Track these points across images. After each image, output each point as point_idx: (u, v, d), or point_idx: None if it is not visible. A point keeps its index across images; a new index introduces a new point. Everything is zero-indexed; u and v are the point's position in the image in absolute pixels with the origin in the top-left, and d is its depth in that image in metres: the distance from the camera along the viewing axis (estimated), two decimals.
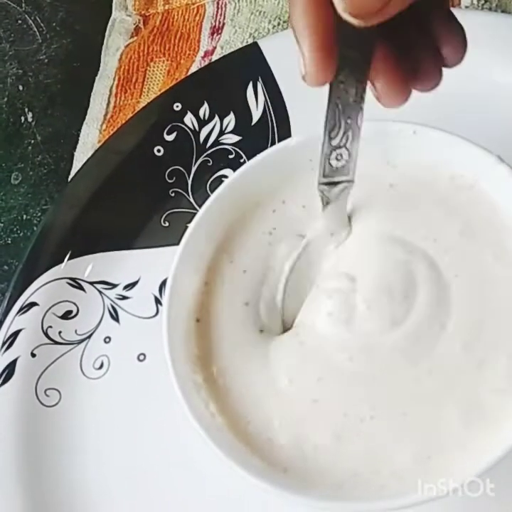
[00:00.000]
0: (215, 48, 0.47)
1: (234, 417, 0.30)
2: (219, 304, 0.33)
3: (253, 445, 0.29)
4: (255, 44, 0.44)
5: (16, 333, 0.40)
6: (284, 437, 0.30)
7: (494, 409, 0.28)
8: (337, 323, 0.30)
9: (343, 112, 0.28)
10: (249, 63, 0.44)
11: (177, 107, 0.44)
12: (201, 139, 0.43)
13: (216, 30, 0.48)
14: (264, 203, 0.35)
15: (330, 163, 0.29)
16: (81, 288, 0.41)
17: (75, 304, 0.41)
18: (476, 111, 0.38)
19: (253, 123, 0.43)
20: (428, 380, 0.29)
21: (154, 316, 0.40)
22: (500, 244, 0.31)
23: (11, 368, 0.39)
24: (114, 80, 0.50)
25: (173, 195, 0.43)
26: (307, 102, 0.42)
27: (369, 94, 0.27)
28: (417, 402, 0.29)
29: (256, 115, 0.43)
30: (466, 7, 0.42)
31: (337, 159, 0.29)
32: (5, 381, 0.39)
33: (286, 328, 0.32)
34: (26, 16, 0.55)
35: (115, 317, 0.40)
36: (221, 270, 0.34)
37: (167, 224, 0.42)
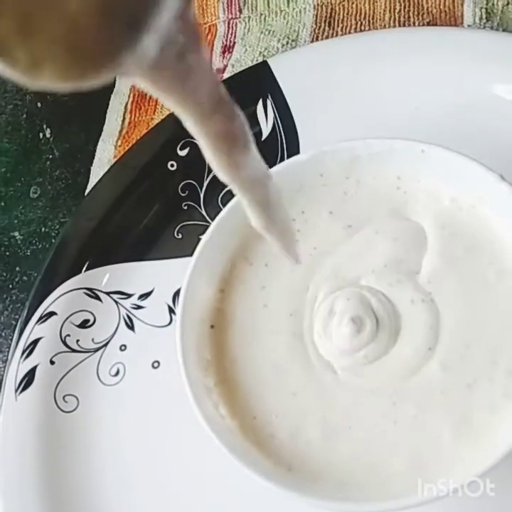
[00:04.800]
0: (226, 66, 0.49)
1: (242, 416, 0.31)
2: (235, 305, 0.34)
3: (259, 442, 0.31)
4: (265, 62, 0.45)
5: (35, 342, 0.41)
6: (283, 431, 0.31)
7: (488, 425, 0.29)
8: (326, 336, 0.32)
9: None
10: (259, 81, 0.45)
11: None
12: None
13: (227, 49, 0.50)
14: None
15: None
16: (98, 298, 0.42)
17: (92, 313, 0.42)
18: (478, 128, 0.39)
19: (263, 138, 0.44)
20: (416, 396, 0.30)
21: (168, 324, 0.41)
22: (499, 264, 0.32)
23: (30, 375, 0.40)
24: (129, 97, 0.51)
25: (185, 208, 0.44)
26: (316, 118, 0.43)
27: None
28: (406, 415, 0.30)
29: (266, 131, 0.44)
30: (469, 26, 0.44)
31: None
32: (25, 388, 0.40)
33: None
34: None
35: (130, 326, 0.42)
36: (239, 273, 0.35)
37: (180, 236, 0.43)
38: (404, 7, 0.46)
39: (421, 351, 0.31)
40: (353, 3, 0.47)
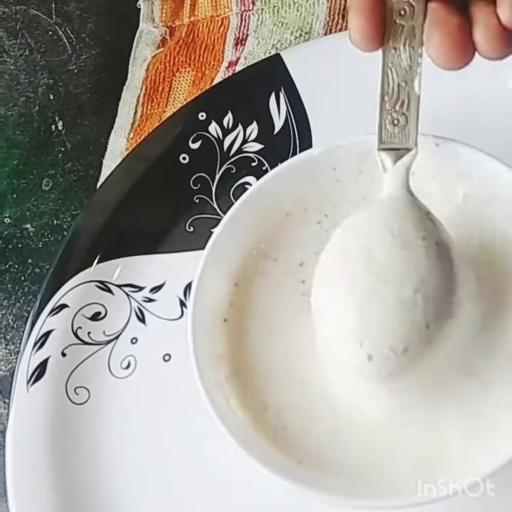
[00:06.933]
0: (238, 58, 0.49)
1: (253, 409, 0.31)
2: (251, 299, 0.34)
3: (271, 436, 0.30)
4: (278, 55, 0.45)
5: (47, 334, 0.41)
6: (295, 424, 0.31)
7: (499, 426, 0.28)
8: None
9: (397, 76, 0.29)
10: (272, 74, 0.45)
11: (202, 116, 0.45)
12: (225, 147, 0.45)
13: (240, 42, 0.50)
14: (292, 211, 0.36)
15: (386, 128, 0.29)
16: (109, 291, 0.42)
17: (103, 306, 0.42)
18: (493, 122, 0.39)
19: (275, 132, 0.44)
20: (428, 394, 0.30)
21: (179, 318, 0.41)
22: None
23: (42, 366, 0.41)
24: (141, 89, 0.51)
25: (197, 201, 0.44)
26: (329, 112, 0.43)
27: None
28: (415, 414, 0.30)
29: (278, 124, 0.44)
30: None
31: (394, 124, 0.29)
32: (37, 379, 0.40)
33: None
34: (57, 27, 0.56)
35: (142, 319, 0.42)
36: (256, 266, 0.35)
37: (192, 229, 0.43)
38: None
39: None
40: None
